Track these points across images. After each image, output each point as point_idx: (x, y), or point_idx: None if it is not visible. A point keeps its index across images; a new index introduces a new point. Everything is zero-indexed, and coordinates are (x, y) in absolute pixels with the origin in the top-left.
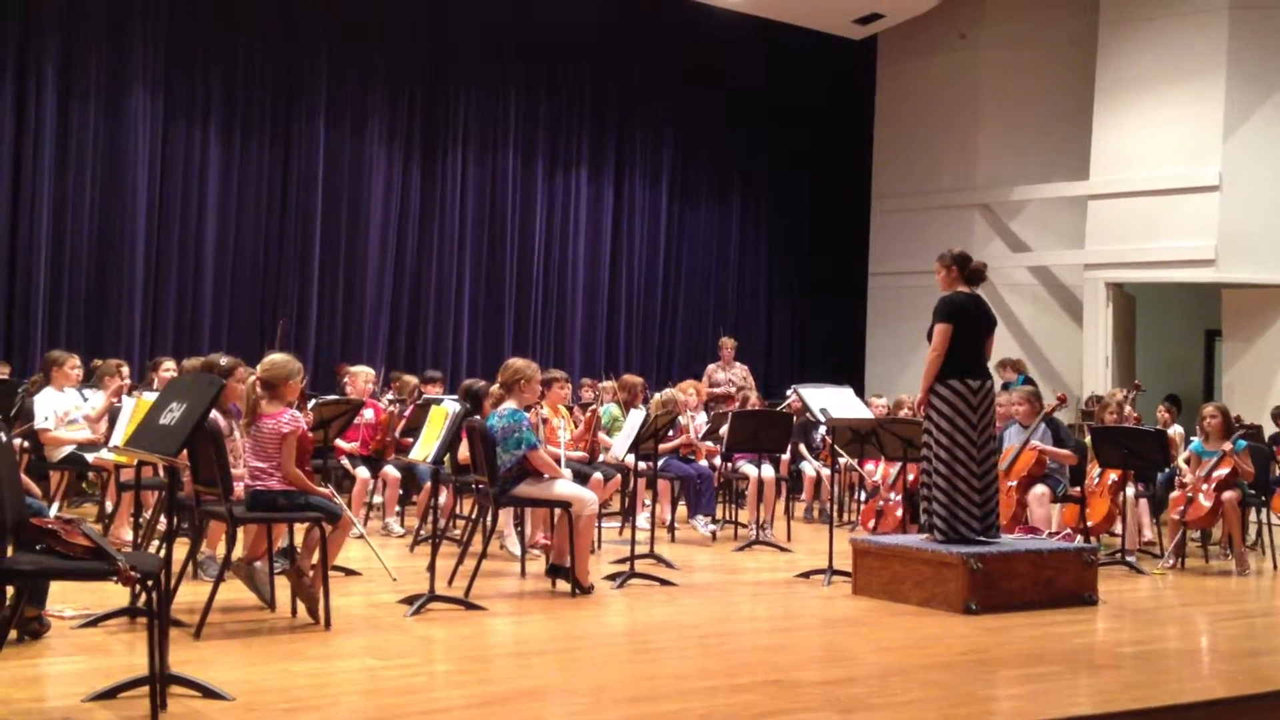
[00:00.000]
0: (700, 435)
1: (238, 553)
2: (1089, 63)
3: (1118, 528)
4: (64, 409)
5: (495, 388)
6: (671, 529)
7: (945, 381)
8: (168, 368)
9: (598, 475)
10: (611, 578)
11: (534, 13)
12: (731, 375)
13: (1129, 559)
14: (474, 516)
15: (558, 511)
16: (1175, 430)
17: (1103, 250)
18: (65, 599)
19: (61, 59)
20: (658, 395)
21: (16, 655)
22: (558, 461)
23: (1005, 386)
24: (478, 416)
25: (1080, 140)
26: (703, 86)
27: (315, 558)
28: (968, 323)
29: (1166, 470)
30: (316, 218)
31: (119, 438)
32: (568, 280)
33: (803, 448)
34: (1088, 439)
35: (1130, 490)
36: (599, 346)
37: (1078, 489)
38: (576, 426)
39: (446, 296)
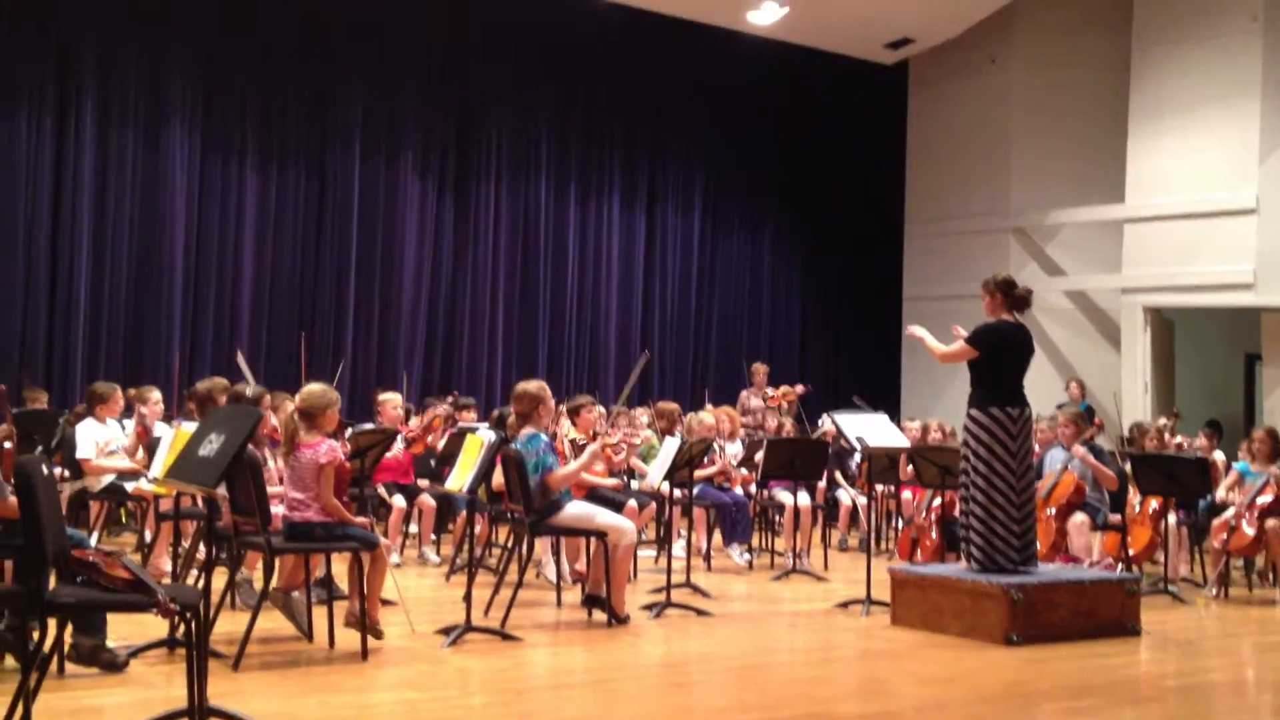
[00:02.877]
0: (736, 463)
1: (276, 583)
2: (1122, 86)
3: (1159, 556)
4: (105, 439)
5: (512, 417)
6: (707, 558)
7: (985, 409)
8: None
9: (633, 503)
10: (648, 607)
11: (566, 43)
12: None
13: (1172, 588)
14: (510, 545)
15: (594, 541)
16: (1217, 456)
17: (1140, 274)
18: (109, 630)
19: (101, 93)
20: (685, 418)
21: (57, 687)
22: (593, 490)
23: (1060, 406)
24: (513, 445)
25: (1115, 163)
26: (734, 113)
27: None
28: (1008, 351)
29: (1208, 497)
30: (352, 249)
31: (158, 469)
32: (600, 309)
33: (839, 475)
34: (1128, 466)
35: (1172, 518)
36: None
37: (1118, 517)
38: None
39: (480, 325)
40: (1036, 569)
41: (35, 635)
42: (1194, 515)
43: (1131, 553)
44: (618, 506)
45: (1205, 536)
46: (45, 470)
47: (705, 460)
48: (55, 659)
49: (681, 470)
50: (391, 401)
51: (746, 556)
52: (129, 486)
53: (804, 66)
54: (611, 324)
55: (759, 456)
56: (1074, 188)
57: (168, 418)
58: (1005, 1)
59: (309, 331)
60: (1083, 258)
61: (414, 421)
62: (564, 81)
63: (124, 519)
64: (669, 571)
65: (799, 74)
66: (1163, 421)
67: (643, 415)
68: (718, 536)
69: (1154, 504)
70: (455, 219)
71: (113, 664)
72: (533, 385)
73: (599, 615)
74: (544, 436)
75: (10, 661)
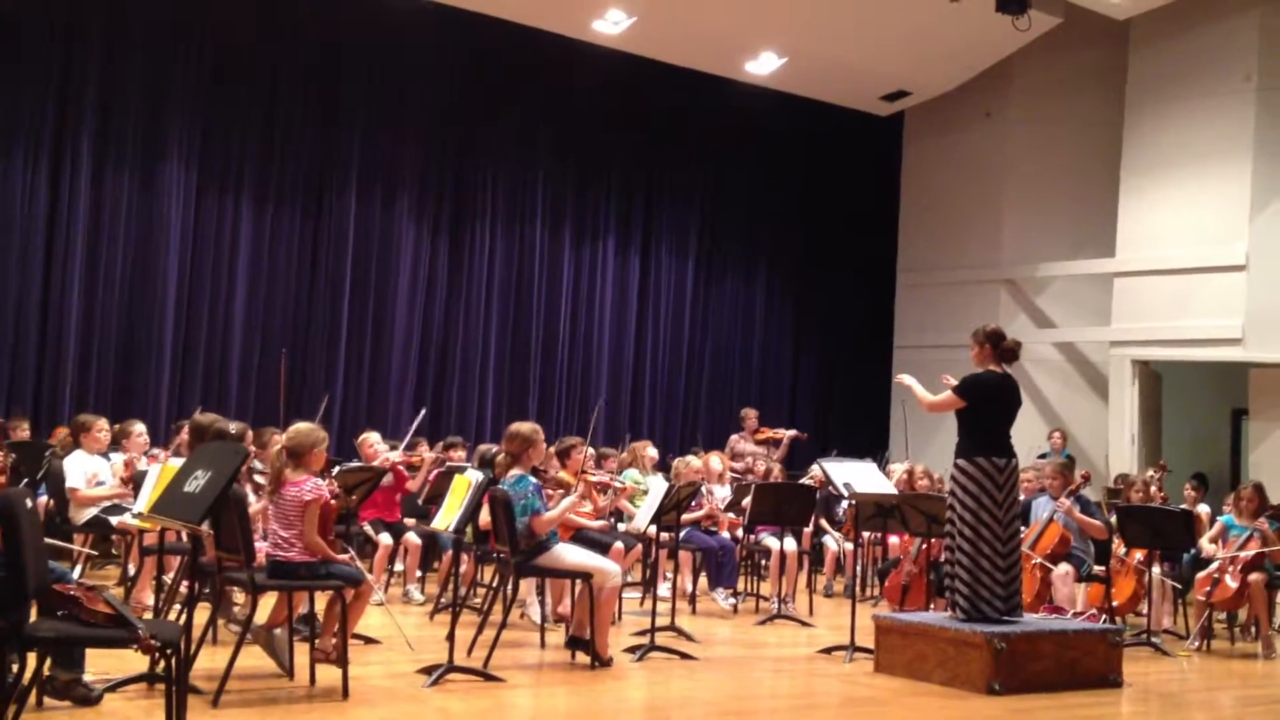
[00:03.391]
0: (723, 506)
1: (260, 619)
2: (1115, 141)
3: (1143, 608)
4: (92, 471)
5: (501, 455)
6: (692, 601)
7: (971, 459)
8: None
9: (619, 545)
10: (631, 650)
11: (564, 87)
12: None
13: (1155, 640)
14: (495, 585)
15: (579, 582)
16: (1202, 509)
17: (1129, 328)
18: (86, 664)
19: (97, 129)
20: (674, 463)
21: None
22: (579, 531)
23: (1042, 455)
24: (500, 485)
25: (1106, 218)
26: (730, 161)
27: (337, 627)
28: (994, 401)
29: (1192, 550)
30: (345, 289)
31: (143, 504)
32: (593, 351)
33: (824, 522)
34: (1113, 518)
35: (1156, 570)
36: (624, 417)
37: (1102, 568)
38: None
39: (472, 366)
40: (1021, 618)
41: (14, 668)
42: (1178, 568)
43: (1115, 604)
44: (604, 548)
45: (1189, 589)
46: (29, 503)
47: (693, 504)
48: (34, 693)
49: (669, 514)
50: (368, 441)
51: (732, 601)
52: (114, 520)
53: (800, 116)
54: (604, 367)
55: (746, 501)
56: (1066, 241)
57: (154, 452)
58: (1001, 56)
59: (302, 375)
60: (1073, 310)
61: (396, 455)
62: (561, 126)
63: (114, 551)
64: (654, 614)
65: (795, 123)
66: (1150, 474)
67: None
68: (703, 580)
69: (1138, 555)
70: (449, 260)
71: (87, 699)
72: (525, 427)
73: (582, 657)
74: (532, 479)
75: None
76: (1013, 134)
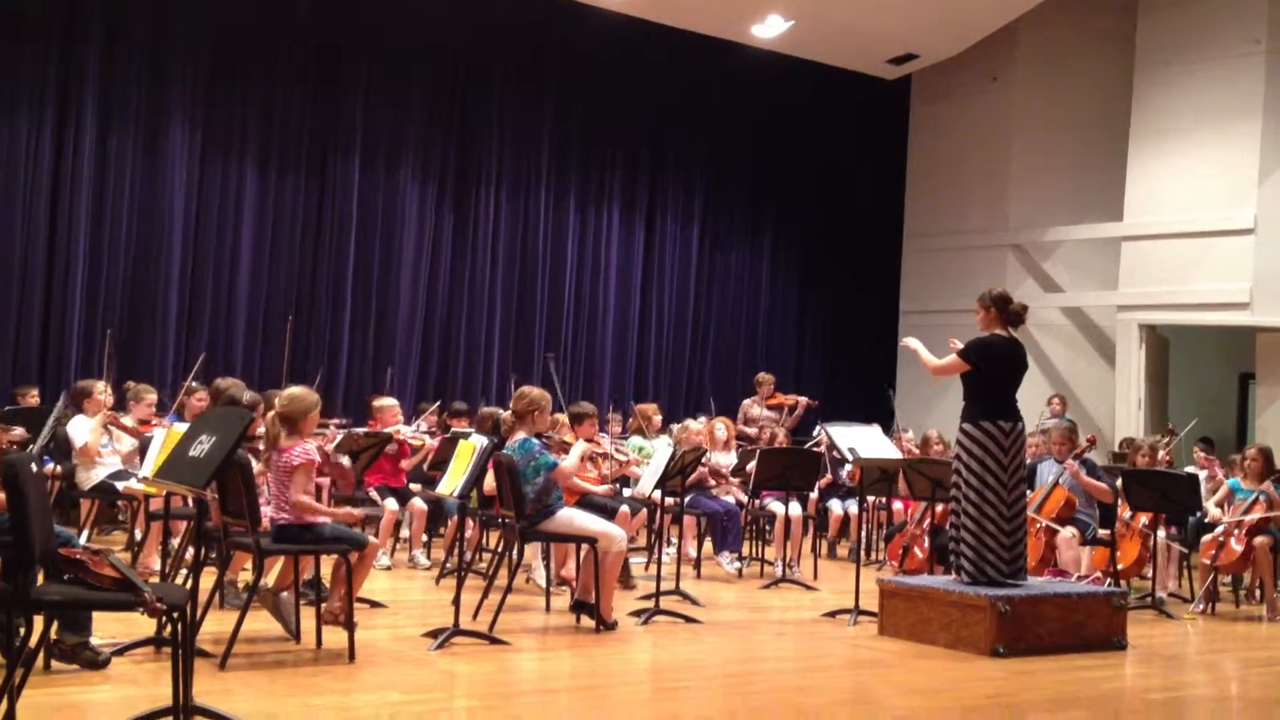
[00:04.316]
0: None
1: (268, 583)
2: (1123, 105)
3: (1148, 571)
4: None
5: (507, 414)
6: (697, 565)
7: (976, 423)
8: (200, 397)
9: (624, 509)
10: (636, 614)
11: (569, 53)
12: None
13: (1159, 603)
14: (500, 550)
15: (584, 547)
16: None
17: (1136, 292)
18: (95, 627)
19: (101, 94)
20: (674, 428)
21: (43, 684)
22: (585, 497)
23: (1044, 432)
24: (505, 450)
25: (1114, 182)
26: (735, 126)
27: (343, 590)
28: (1000, 366)
29: (1198, 514)
30: (350, 254)
31: (149, 469)
32: (598, 318)
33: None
34: (1119, 481)
35: (1161, 534)
36: (628, 384)
37: (1107, 532)
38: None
39: (477, 332)
40: (1025, 582)
41: (21, 632)
42: (1183, 531)
43: (1120, 567)
44: (610, 513)
45: (1194, 552)
46: (34, 468)
47: (697, 469)
48: (41, 656)
49: (673, 479)
50: (391, 409)
51: (737, 565)
52: (120, 485)
53: (807, 80)
54: (609, 334)
55: (751, 466)
56: (1073, 205)
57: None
58: (1008, 20)
59: (307, 340)
60: (1080, 275)
61: (407, 430)
62: (566, 91)
63: (118, 516)
64: (658, 579)
65: (801, 87)
66: (1159, 438)
67: (617, 427)
68: (708, 545)
69: (1143, 519)
70: (454, 226)
71: (94, 662)
72: (535, 390)
73: (587, 621)
74: (535, 439)
75: None
76: (1020, 98)
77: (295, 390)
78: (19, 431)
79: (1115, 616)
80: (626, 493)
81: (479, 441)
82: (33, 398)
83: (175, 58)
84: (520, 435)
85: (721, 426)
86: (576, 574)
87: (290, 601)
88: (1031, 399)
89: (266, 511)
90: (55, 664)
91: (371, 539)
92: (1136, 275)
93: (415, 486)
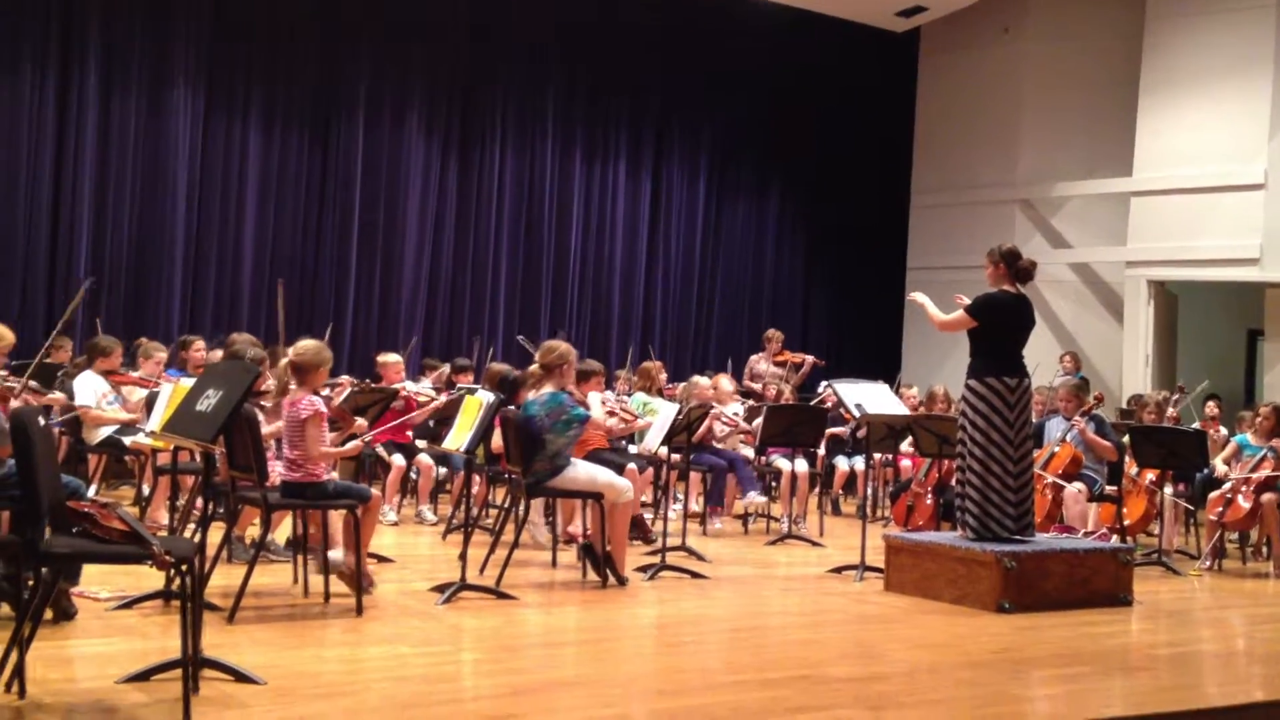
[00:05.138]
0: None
1: (280, 538)
2: (1134, 58)
3: (1155, 528)
4: (102, 390)
5: (534, 367)
6: (703, 521)
7: (982, 379)
8: (198, 348)
9: (632, 466)
10: (643, 569)
11: (572, 6)
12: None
13: (1165, 560)
14: (507, 506)
15: (592, 502)
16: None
17: (1145, 248)
18: (101, 581)
19: (104, 53)
20: (682, 385)
21: (51, 636)
22: (595, 451)
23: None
24: (512, 406)
25: (1124, 136)
26: (742, 80)
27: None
28: (1007, 321)
29: (1205, 470)
30: (355, 210)
31: (156, 423)
32: (604, 273)
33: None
34: (1126, 438)
35: (1169, 490)
36: (635, 339)
37: (1114, 488)
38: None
39: (482, 288)
40: (1033, 538)
41: (30, 584)
42: (1190, 488)
43: (1126, 524)
44: (619, 469)
45: (1201, 509)
46: (41, 421)
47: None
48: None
49: (679, 435)
50: (395, 365)
51: (763, 498)
52: (127, 440)
53: (814, 32)
54: (615, 288)
55: (758, 422)
56: (1082, 160)
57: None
58: None
59: (312, 296)
60: (1088, 230)
61: (412, 386)
62: (571, 43)
63: (129, 464)
64: (664, 534)
65: (809, 40)
66: (1168, 395)
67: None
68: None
69: (1150, 476)
70: (459, 180)
71: (66, 612)
72: (563, 344)
73: (593, 576)
74: (565, 393)
75: (5, 610)
76: (1030, 51)
77: (311, 342)
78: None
79: (1121, 572)
80: (633, 449)
81: (485, 397)
82: (65, 353)
83: (177, 16)
84: (548, 389)
85: (726, 380)
86: (584, 531)
87: (341, 558)
88: (1040, 356)
89: (275, 467)
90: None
91: (375, 492)
92: (1145, 231)
93: (421, 443)
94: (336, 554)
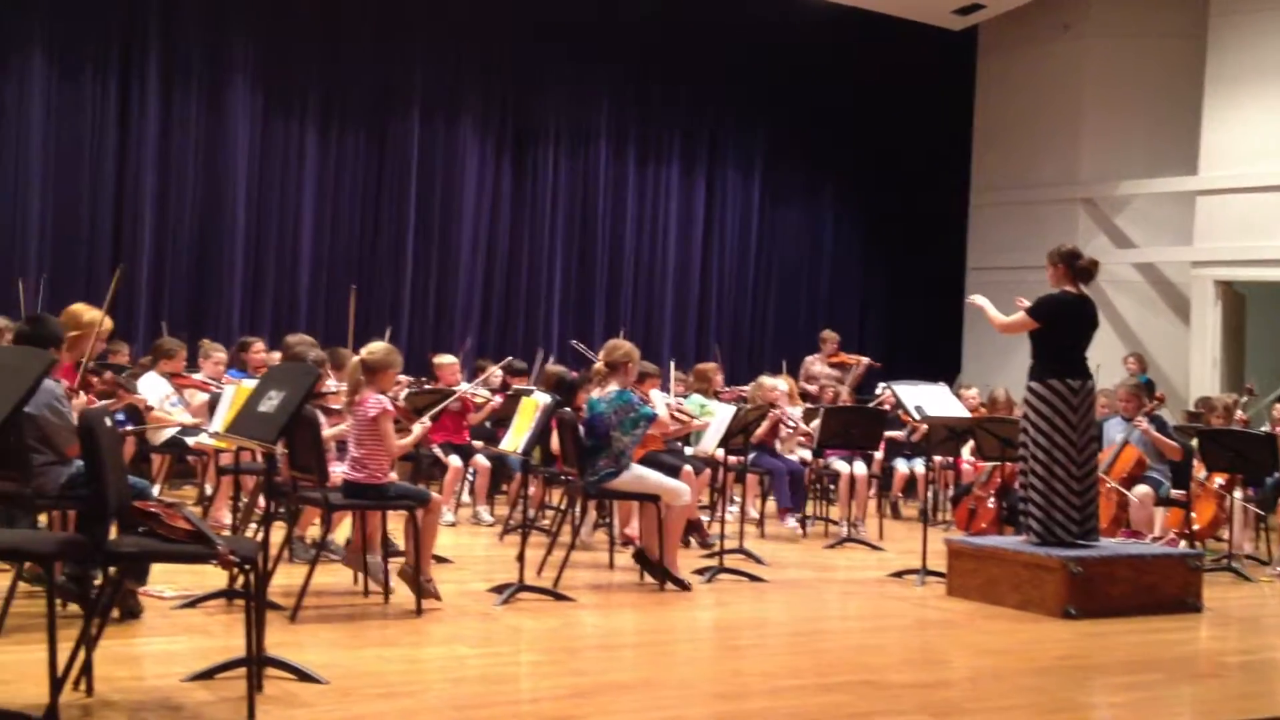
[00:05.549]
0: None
1: (340, 538)
2: (1198, 54)
3: (1224, 533)
4: (166, 392)
5: (599, 365)
6: (760, 524)
7: (1045, 381)
8: (258, 349)
9: (688, 468)
10: (700, 572)
11: (625, 7)
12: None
13: (1235, 565)
14: (563, 507)
15: (647, 504)
16: None
17: (1212, 247)
18: (166, 580)
19: (164, 53)
20: (751, 386)
21: (118, 634)
22: (650, 454)
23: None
24: (568, 409)
25: (1189, 134)
26: (797, 78)
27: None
28: (1068, 322)
29: (1275, 474)
30: (410, 211)
31: (219, 424)
32: (658, 274)
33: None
34: (1194, 441)
35: (1238, 494)
36: (689, 341)
37: (1181, 492)
38: None
39: (537, 289)
40: (1097, 542)
41: (98, 583)
42: (1260, 492)
43: (1195, 528)
44: (674, 471)
45: (1272, 513)
46: (109, 422)
47: (761, 428)
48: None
49: (736, 437)
50: (451, 367)
51: (793, 523)
52: (190, 441)
53: (870, 32)
54: (669, 289)
55: (815, 424)
56: (1146, 158)
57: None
58: None
59: (362, 289)
60: (1153, 230)
61: (468, 387)
62: (625, 44)
63: (190, 463)
64: (721, 537)
65: (864, 39)
66: (1238, 398)
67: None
68: (772, 503)
69: (1219, 479)
70: (514, 181)
71: (133, 611)
72: (628, 343)
73: (650, 579)
74: (631, 392)
75: (73, 609)
76: (1092, 47)
77: (381, 344)
78: (109, 375)
79: (1190, 578)
80: (689, 451)
81: (541, 399)
82: (122, 355)
83: (236, 11)
84: (614, 387)
85: (783, 382)
86: (639, 534)
87: (379, 562)
88: (1104, 357)
89: (335, 469)
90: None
91: (435, 494)
92: (1212, 230)
93: (478, 443)
94: (375, 559)
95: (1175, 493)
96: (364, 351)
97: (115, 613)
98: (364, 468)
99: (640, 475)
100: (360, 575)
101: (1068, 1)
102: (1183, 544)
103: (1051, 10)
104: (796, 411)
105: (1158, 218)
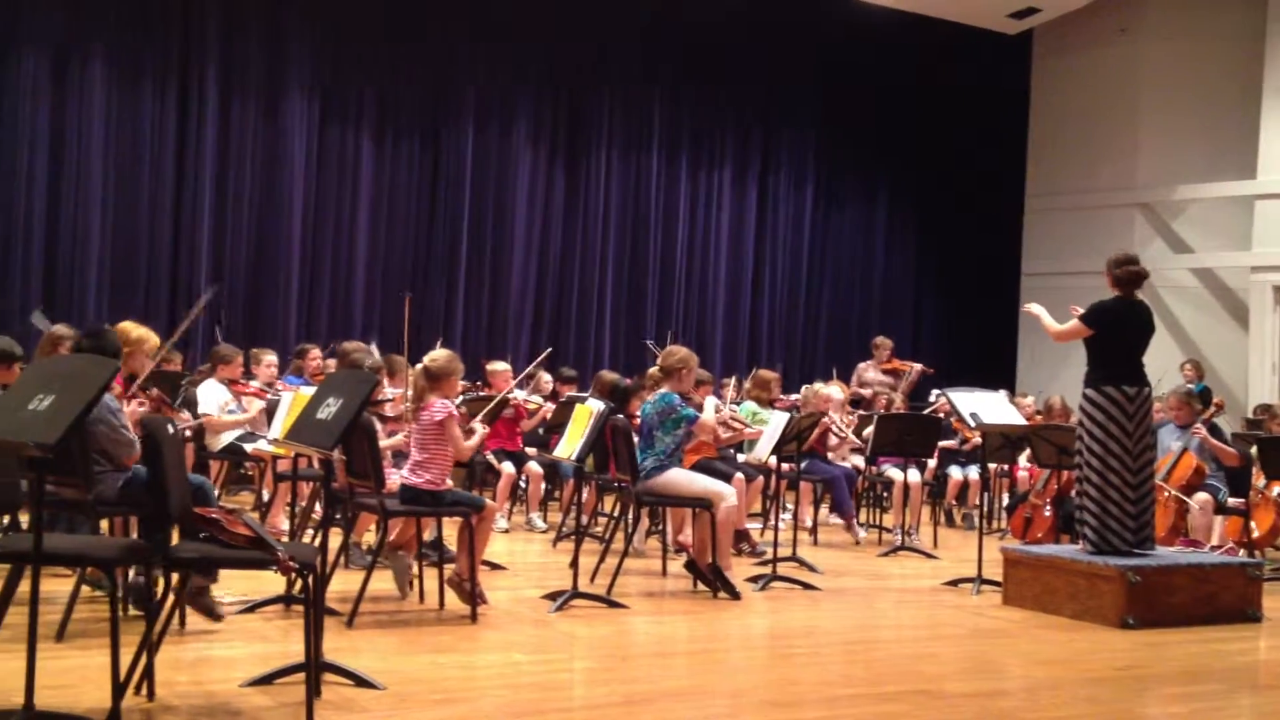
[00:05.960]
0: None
1: (391, 539)
2: (1257, 57)
3: None
4: (225, 399)
5: (654, 370)
6: (814, 532)
7: (1100, 388)
8: (314, 356)
9: (740, 475)
10: (753, 580)
11: (679, 11)
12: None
13: None
14: (616, 514)
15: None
16: None
17: (1271, 252)
18: (225, 585)
19: (222, 62)
20: (804, 390)
21: (178, 639)
22: (702, 461)
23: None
24: (621, 415)
25: (1247, 138)
26: (849, 84)
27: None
28: (1122, 329)
29: None
30: (464, 217)
31: (277, 430)
32: (710, 280)
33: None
34: (1253, 448)
35: None
36: (741, 346)
37: (1241, 501)
38: None
39: (589, 295)
40: (1153, 551)
41: (159, 588)
42: None
43: (1255, 536)
44: (726, 479)
45: None
46: (171, 430)
47: (814, 435)
48: (177, 612)
49: (790, 444)
50: (504, 374)
51: (862, 531)
52: (248, 447)
53: (924, 36)
54: (720, 296)
55: (868, 431)
56: (1204, 163)
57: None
58: None
59: (423, 302)
60: (1211, 235)
61: (521, 394)
62: (677, 50)
63: (245, 473)
64: (775, 544)
65: (918, 44)
66: None
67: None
68: (824, 510)
69: (1278, 487)
70: (566, 188)
71: (210, 610)
72: (685, 349)
73: (704, 586)
74: (675, 395)
75: (134, 612)
76: (1148, 51)
77: (443, 351)
78: (155, 392)
79: (1250, 587)
80: (741, 458)
81: (595, 406)
82: (174, 364)
83: (293, 22)
84: (664, 389)
85: (837, 390)
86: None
87: (406, 561)
88: (1161, 363)
89: (392, 475)
90: (190, 620)
91: (489, 501)
92: (1270, 235)
93: (531, 450)
94: (404, 558)
95: (1233, 501)
96: (427, 359)
97: (190, 616)
98: (426, 472)
99: (684, 476)
100: (414, 583)
101: (1124, 4)
102: (1242, 553)
103: (1108, 13)
104: (845, 419)
105: (1215, 222)
